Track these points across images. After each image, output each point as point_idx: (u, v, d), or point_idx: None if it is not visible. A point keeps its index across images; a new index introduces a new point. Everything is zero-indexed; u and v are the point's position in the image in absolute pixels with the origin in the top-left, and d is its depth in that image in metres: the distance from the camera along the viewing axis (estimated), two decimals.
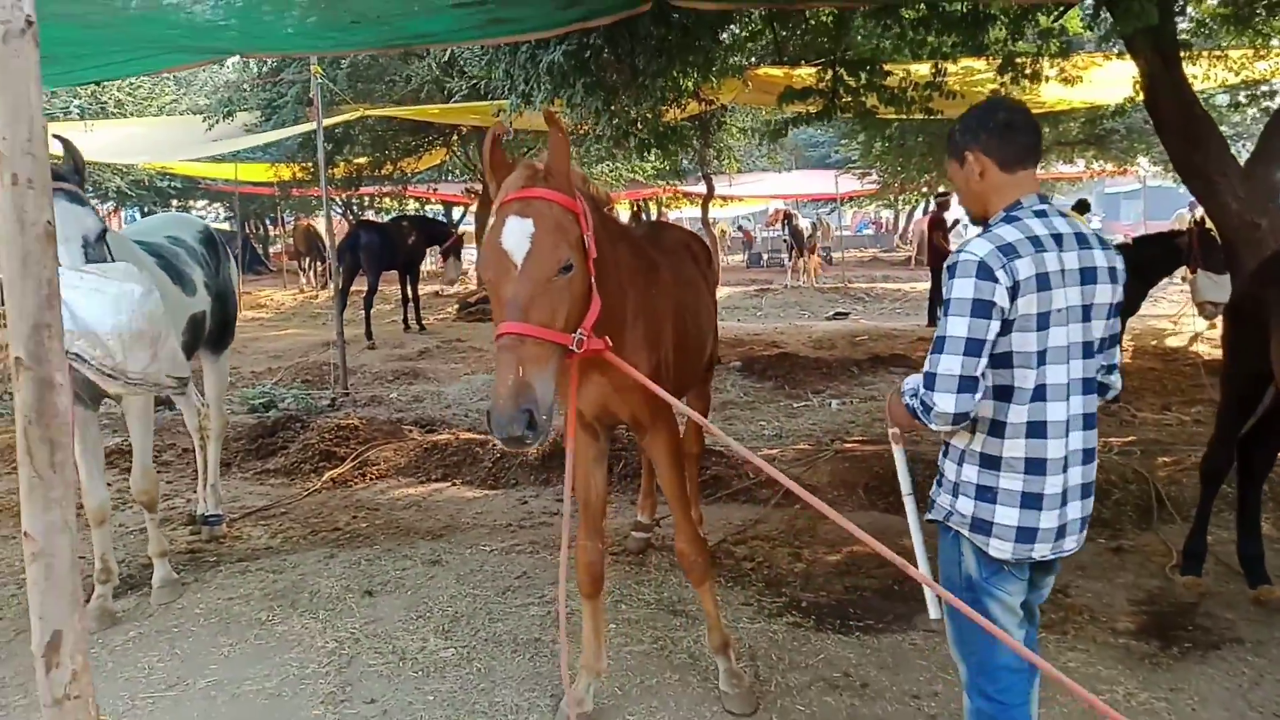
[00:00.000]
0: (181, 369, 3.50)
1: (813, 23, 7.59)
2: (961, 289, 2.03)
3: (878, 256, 29.74)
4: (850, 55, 7.64)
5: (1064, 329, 2.07)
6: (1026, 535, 2.11)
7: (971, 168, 2.19)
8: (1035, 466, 2.09)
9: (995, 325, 2.03)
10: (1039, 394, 2.08)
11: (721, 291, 16.09)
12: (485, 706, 3.20)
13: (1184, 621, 3.84)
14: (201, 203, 29.16)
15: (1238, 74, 9.33)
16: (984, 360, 2.03)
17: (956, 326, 2.03)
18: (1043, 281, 2.04)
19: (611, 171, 18.41)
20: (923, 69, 7.64)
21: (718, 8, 5.44)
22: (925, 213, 27.24)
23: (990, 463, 2.13)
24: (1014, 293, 2.02)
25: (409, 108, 11.75)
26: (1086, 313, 2.11)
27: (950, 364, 2.02)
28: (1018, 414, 2.09)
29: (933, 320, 12.87)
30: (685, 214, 26.60)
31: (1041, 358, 2.06)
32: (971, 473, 2.15)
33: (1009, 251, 2.03)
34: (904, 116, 7.92)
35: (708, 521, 4.90)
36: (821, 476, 5.79)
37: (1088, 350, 2.12)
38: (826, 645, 3.64)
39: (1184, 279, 9.50)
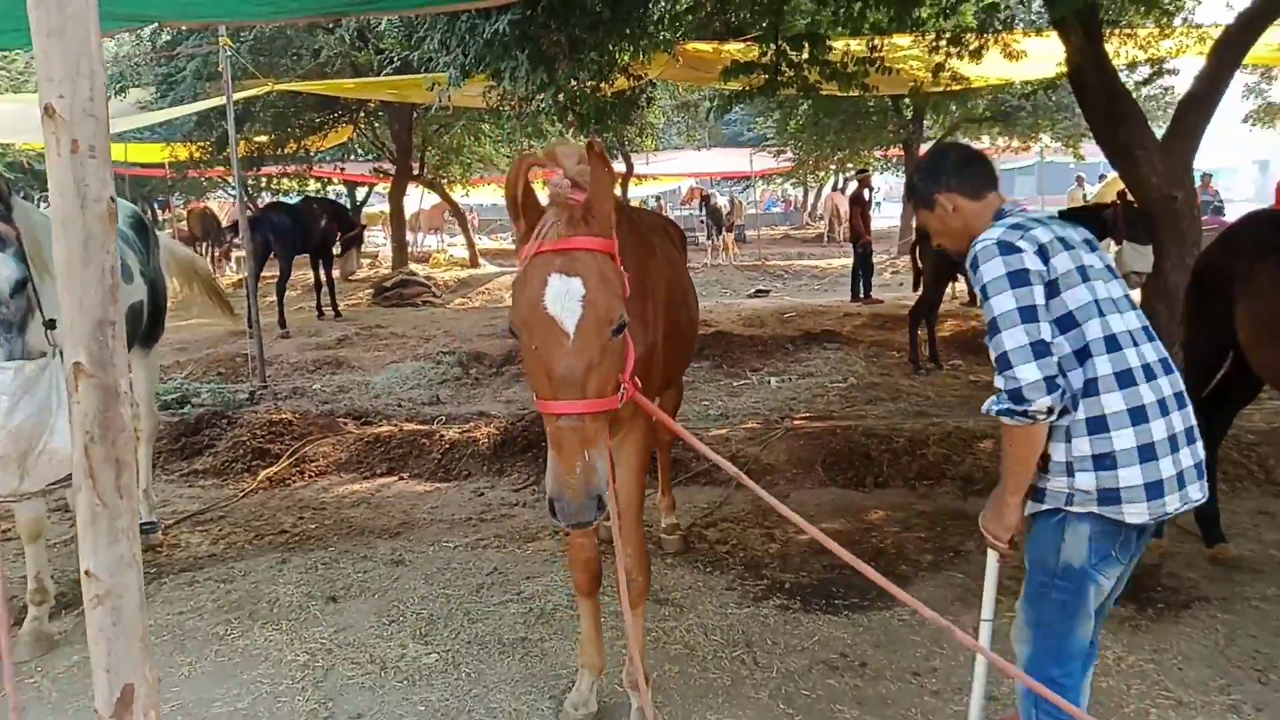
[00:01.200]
0: (66, 464, 3.00)
1: None
2: (991, 270, 2.11)
3: (789, 234, 30.13)
4: (785, 31, 7.60)
5: (1104, 284, 2.17)
6: (1155, 490, 2.09)
7: (944, 207, 2.33)
8: (1138, 415, 2.08)
9: (1039, 289, 2.08)
10: (1112, 343, 2.11)
11: None
12: (482, 713, 3.03)
13: (1151, 583, 3.94)
14: None
15: (1145, 51, 9.72)
16: (1045, 325, 2.05)
17: (1003, 302, 2.08)
18: (1065, 243, 2.16)
19: (529, 149, 18.06)
20: (858, 44, 7.66)
21: None
22: (835, 188, 27.76)
23: (1098, 426, 2.09)
24: (1043, 255, 2.12)
25: (322, 82, 11.24)
26: (1111, 272, 2.22)
27: (1016, 336, 2.05)
28: (1103, 365, 2.09)
29: (856, 295, 13.06)
30: None
31: (1099, 308, 2.11)
32: (1084, 445, 2.10)
33: (1020, 227, 2.17)
34: (845, 93, 7.92)
35: (681, 506, 4.80)
36: (778, 455, 5.77)
37: (1131, 304, 2.20)
38: (818, 627, 3.60)
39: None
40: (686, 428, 6.54)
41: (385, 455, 5.96)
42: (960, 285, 13.17)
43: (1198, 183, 19.43)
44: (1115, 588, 2.29)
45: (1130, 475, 2.08)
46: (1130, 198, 7.49)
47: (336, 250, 13.66)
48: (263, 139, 15.19)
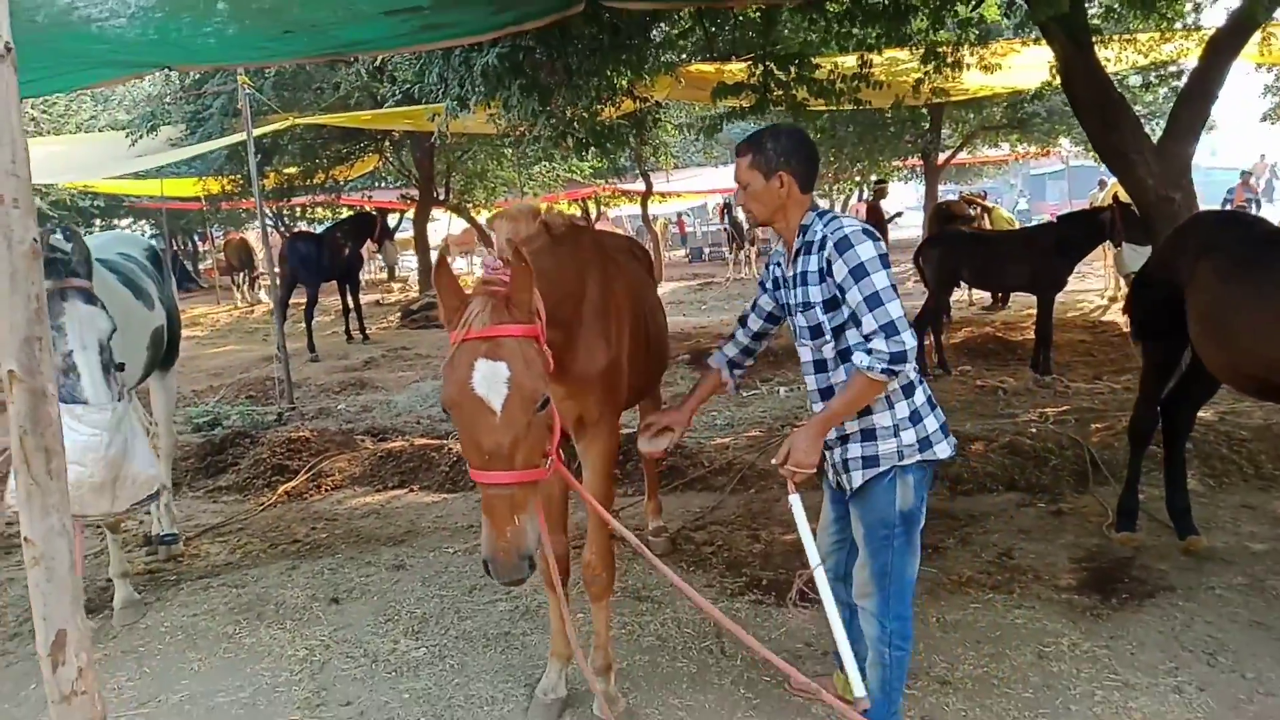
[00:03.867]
0: (145, 486, 3.46)
1: (741, 19, 7.74)
2: (868, 250, 2.46)
3: None
4: (780, 50, 7.82)
5: None
6: (945, 429, 2.66)
7: (779, 182, 2.62)
8: (918, 379, 2.65)
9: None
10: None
11: (665, 287, 16.26)
12: (461, 700, 3.26)
13: (1121, 574, 4.06)
14: (126, 220, 28.30)
15: (1147, 56, 9.78)
16: None
17: (882, 279, 2.44)
18: None
19: (548, 172, 18.45)
20: (850, 60, 7.86)
21: (649, 7, 5.54)
22: (860, 199, 27.75)
23: (909, 391, 2.61)
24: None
25: (339, 115, 11.65)
26: None
27: (897, 307, 2.42)
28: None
29: None
30: (625, 211, 26.71)
31: None
32: (902, 408, 2.59)
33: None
34: (834, 108, 8.13)
35: (667, 510, 5.00)
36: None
37: None
38: (788, 619, 3.77)
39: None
40: (690, 438, 6.78)
41: (397, 469, 6.23)
42: (978, 293, 13.25)
43: (1237, 181, 19.15)
44: None
45: (932, 422, 2.62)
46: (1125, 200, 7.60)
47: (375, 251, 13.83)
48: (292, 170, 15.73)
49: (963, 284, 9.49)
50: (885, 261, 2.45)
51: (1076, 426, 6.10)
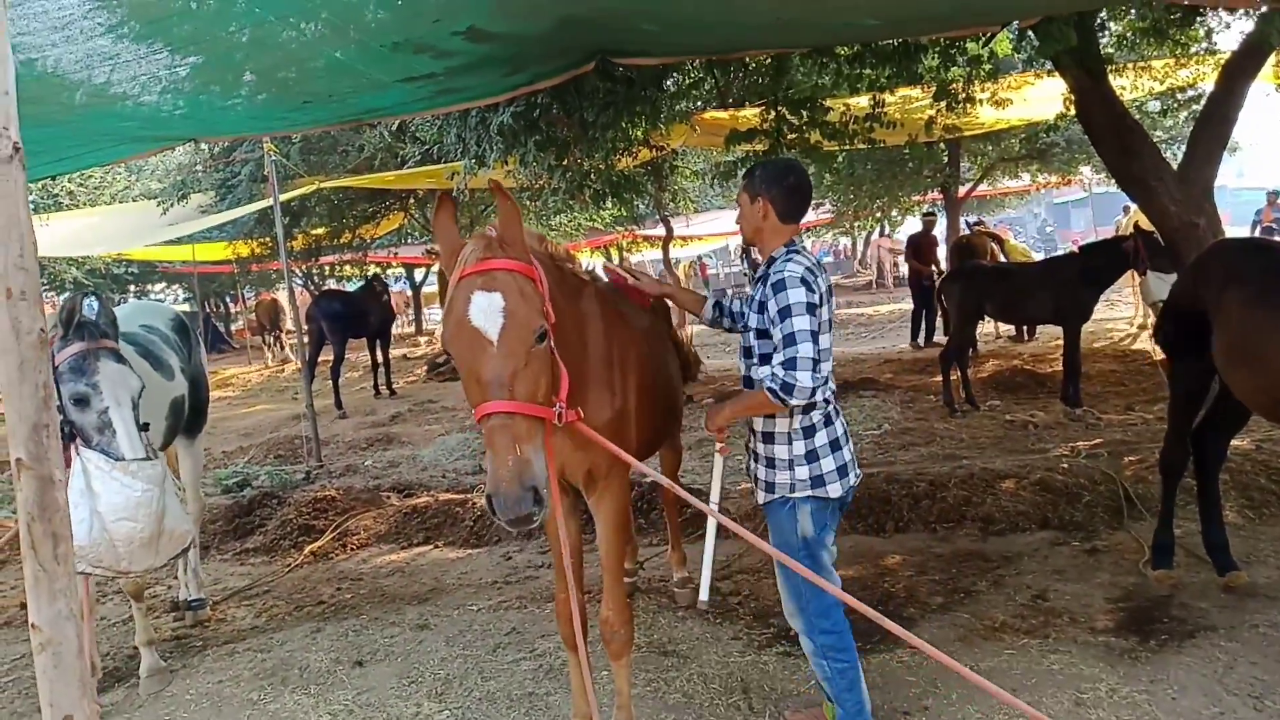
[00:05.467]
0: (180, 540, 3.54)
1: (752, 66, 7.82)
2: (797, 295, 2.72)
3: (840, 283, 30.17)
4: (792, 94, 7.89)
5: (829, 335, 2.85)
6: (843, 472, 2.88)
7: (760, 207, 2.91)
8: (826, 423, 2.88)
9: (818, 323, 2.73)
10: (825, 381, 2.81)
11: (687, 330, 16.27)
12: None
13: (1160, 614, 3.94)
14: (160, 285, 28.99)
15: (1163, 82, 9.74)
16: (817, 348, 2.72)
17: (803, 322, 2.70)
18: (826, 296, 2.84)
19: (570, 221, 18.63)
20: (862, 101, 7.89)
21: (658, 62, 5.61)
22: (882, 234, 27.75)
23: (809, 432, 2.86)
24: (822, 299, 2.79)
25: (363, 177, 11.88)
26: (831, 324, 2.88)
27: (806, 349, 2.67)
28: (821, 394, 2.77)
29: (914, 340, 13.11)
30: (647, 257, 26.86)
31: (826, 354, 2.78)
32: (800, 446, 2.85)
33: (813, 272, 2.81)
34: (848, 148, 8.15)
35: (691, 560, 4.94)
36: None
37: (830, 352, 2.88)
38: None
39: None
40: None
41: (422, 525, 6.23)
42: (1004, 326, 13.12)
43: (1264, 202, 18.92)
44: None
45: (829, 463, 2.86)
46: (1147, 228, 7.50)
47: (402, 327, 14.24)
48: (320, 231, 16.02)
49: (987, 318, 9.40)
50: (810, 309, 2.70)
51: (1109, 460, 5.97)
